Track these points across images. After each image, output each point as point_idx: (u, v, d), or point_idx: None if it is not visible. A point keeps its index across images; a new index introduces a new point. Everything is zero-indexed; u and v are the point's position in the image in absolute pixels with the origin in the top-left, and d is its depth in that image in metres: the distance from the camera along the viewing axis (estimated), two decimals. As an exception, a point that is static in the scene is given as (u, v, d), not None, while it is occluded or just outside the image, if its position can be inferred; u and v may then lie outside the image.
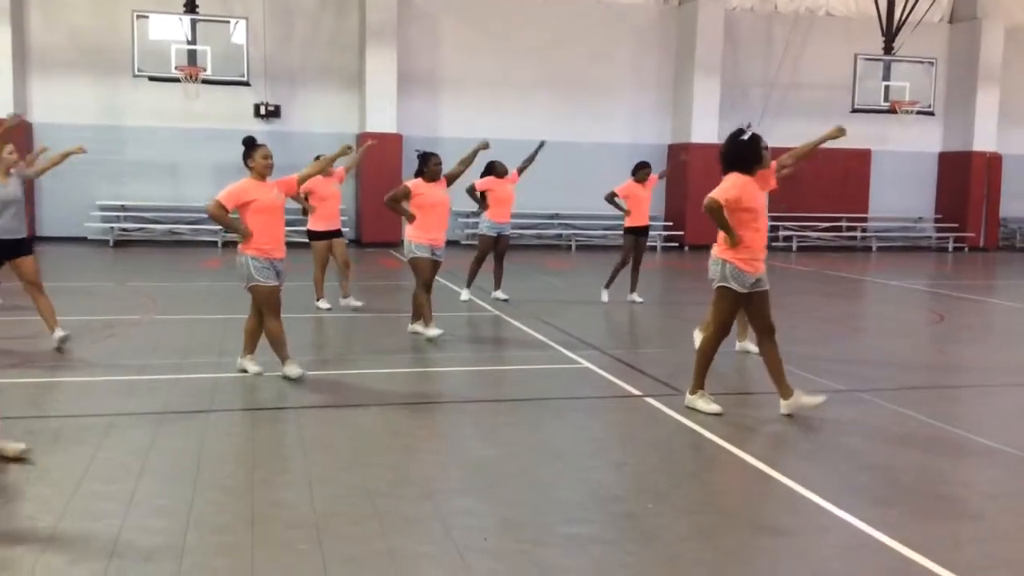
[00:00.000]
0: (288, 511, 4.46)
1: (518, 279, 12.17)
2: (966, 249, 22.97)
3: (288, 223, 7.52)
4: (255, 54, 18.75)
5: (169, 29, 17.66)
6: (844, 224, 22.84)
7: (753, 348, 8.45)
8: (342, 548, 4.04)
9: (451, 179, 9.20)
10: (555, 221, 21.23)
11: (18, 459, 5.02)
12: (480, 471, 5.20)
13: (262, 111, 19.71)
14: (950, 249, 23.03)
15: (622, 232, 11.81)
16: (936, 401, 7.21)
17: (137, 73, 17.73)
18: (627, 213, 11.59)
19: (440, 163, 8.97)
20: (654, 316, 11.35)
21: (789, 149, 7.65)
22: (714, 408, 6.35)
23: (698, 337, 8.59)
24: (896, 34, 21.00)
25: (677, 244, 21.39)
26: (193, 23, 17.79)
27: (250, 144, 7.13)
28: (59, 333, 7.91)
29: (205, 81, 17.92)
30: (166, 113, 19.15)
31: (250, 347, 7.32)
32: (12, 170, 7.76)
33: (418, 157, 9.04)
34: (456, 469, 5.31)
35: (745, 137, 6.32)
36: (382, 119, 19.40)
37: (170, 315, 10.22)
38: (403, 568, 3.86)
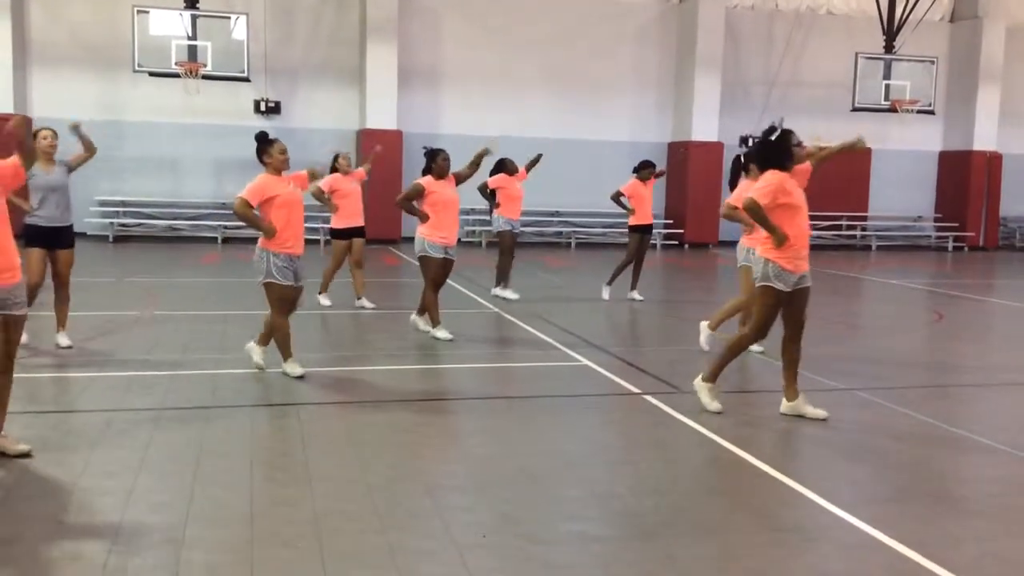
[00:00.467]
0: (288, 507, 4.46)
1: (518, 276, 12.15)
2: (966, 248, 22.98)
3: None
4: (255, 50, 18.73)
5: (169, 24, 17.65)
6: (844, 223, 22.84)
7: (752, 347, 8.46)
8: (341, 544, 4.04)
9: (458, 180, 9.03)
10: (555, 218, 21.23)
11: (20, 456, 5.01)
12: (480, 468, 5.20)
13: (262, 107, 19.69)
14: (950, 248, 23.03)
15: (628, 231, 11.80)
16: (935, 400, 7.21)
17: (137, 68, 17.73)
18: (631, 212, 11.59)
19: (448, 159, 8.81)
20: (654, 314, 11.34)
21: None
22: (715, 406, 6.34)
23: (704, 329, 8.59)
24: (897, 33, 20.99)
25: (677, 242, 21.39)
26: (193, 18, 17.78)
27: (264, 140, 7.03)
28: (64, 340, 7.92)
29: (205, 77, 17.91)
30: (166, 109, 19.14)
31: (266, 341, 7.28)
32: (57, 159, 7.80)
33: (425, 154, 8.92)
34: (456, 466, 5.31)
35: (775, 135, 6.22)
36: (382, 115, 19.40)
37: (170, 311, 10.21)
38: (402, 564, 3.85)
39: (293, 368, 7.08)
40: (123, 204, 19.34)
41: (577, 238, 21.06)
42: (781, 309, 6.29)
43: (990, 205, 23.19)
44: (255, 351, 7.27)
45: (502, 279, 11.73)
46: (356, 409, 6.42)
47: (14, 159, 5.16)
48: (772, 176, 6.11)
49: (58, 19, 18.87)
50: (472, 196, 12.18)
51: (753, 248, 8.20)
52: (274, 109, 19.77)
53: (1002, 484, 5.19)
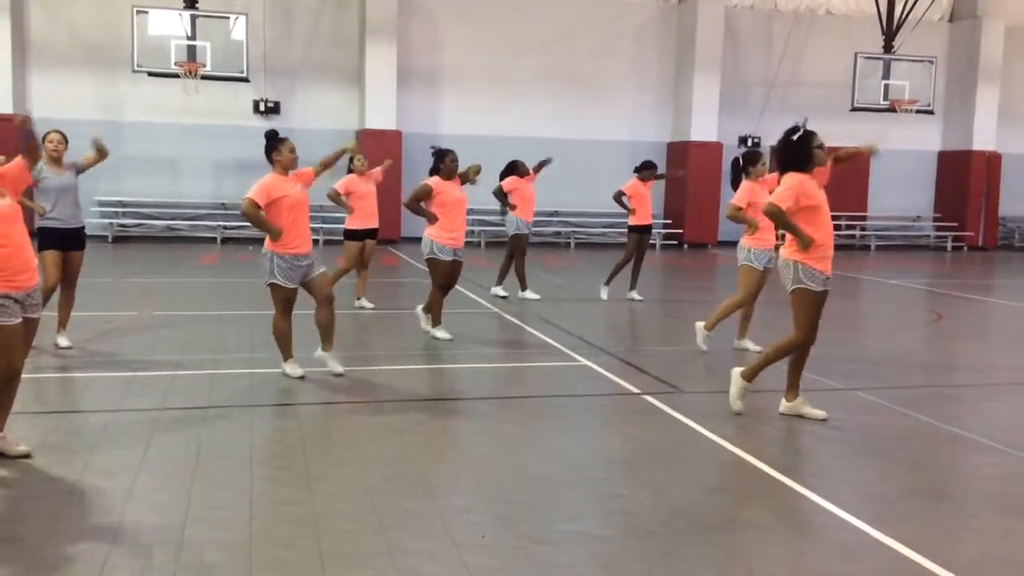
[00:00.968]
0: (286, 507, 4.46)
1: (515, 277, 12.15)
2: (965, 248, 22.99)
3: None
4: (255, 50, 18.72)
5: (169, 24, 17.64)
6: (843, 223, 22.84)
7: (752, 347, 8.47)
8: (340, 544, 4.03)
9: (462, 181, 9.04)
10: (554, 218, 21.23)
11: (20, 457, 5.01)
12: (478, 468, 5.20)
13: (261, 107, 19.69)
14: (949, 248, 23.04)
15: (627, 230, 11.81)
16: (935, 400, 7.20)
17: (136, 69, 17.72)
18: (632, 212, 11.60)
19: (456, 160, 8.74)
20: (653, 314, 11.35)
21: None
22: (737, 406, 6.27)
23: (700, 330, 8.59)
24: (896, 32, 20.99)
25: (676, 242, 21.39)
26: (193, 19, 17.77)
27: (274, 138, 6.99)
28: (63, 341, 7.93)
29: (204, 77, 17.90)
30: (165, 109, 19.13)
31: (327, 341, 7.22)
32: (66, 161, 7.81)
33: (433, 154, 8.84)
34: (455, 466, 5.31)
35: (796, 136, 6.13)
36: (382, 115, 19.40)
37: (169, 311, 10.21)
38: (401, 564, 3.85)
39: (293, 369, 7.08)
40: (122, 204, 19.34)
41: (576, 238, 21.06)
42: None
43: (989, 205, 23.20)
44: (327, 359, 7.18)
45: (504, 279, 11.75)
46: (355, 410, 6.42)
47: (18, 160, 5.17)
48: (792, 179, 6.04)
49: (57, 19, 18.87)
50: (476, 197, 12.17)
51: (752, 247, 8.24)
52: (273, 109, 19.76)
53: (1002, 484, 5.19)
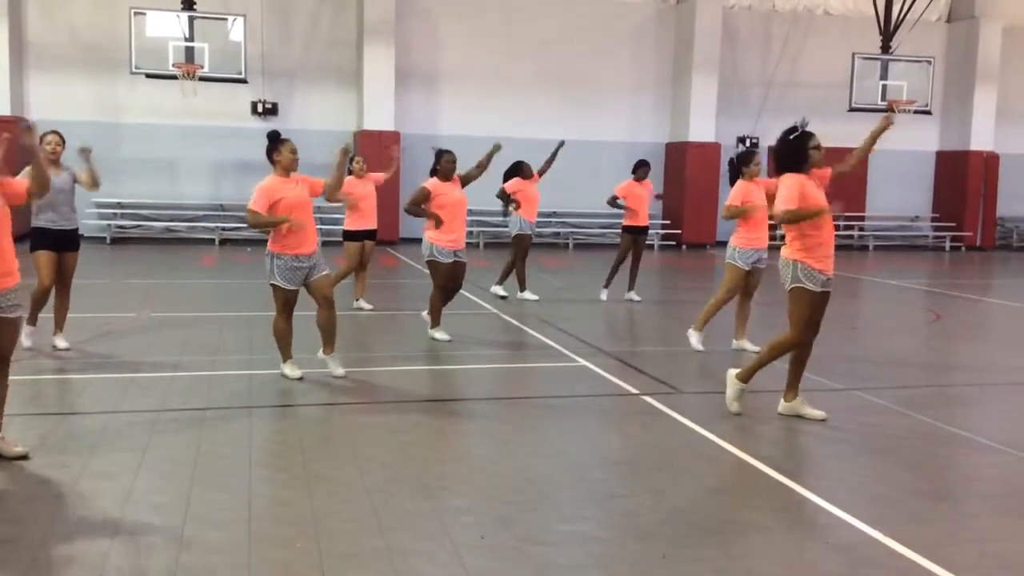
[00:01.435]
0: (286, 508, 4.46)
1: (515, 277, 12.15)
2: (963, 248, 22.99)
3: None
4: (252, 51, 18.70)
5: (166, 26, 17.60)
6: (841, 223, 22.84)
7: (750, 347, 8.48)
8: (339, 545, 4.03)
9: (465, 181, 8.92)
10: (553, 219, 21.22)
11: (18, 458, 5.01)
12: (477, 469, 5.20)
13: (259, 108, 19.67)
14: (947, 248, 23.04)
15: (620, 231, 11.79)
16: (934, 400, 7.20)
17: (134, 70, 17.68)
18: (627, 212, 11.58)
19: (453, 160, 8.68)
20: (652, 315, 11.35)
21: None
22: (735, 407, 6.28)
23: (693, 336, 8.60)
24: (894, 33, 21.00)
25: (675, 243, 21.39)
26: (191, 20, 17.75)
27: (275, 139, 6.94)
28: (61, 343, 7.92)
29: (202, 78, 17.86)
30: (163, 110, 19.10)
31: (328, 343, 7.20)
32: (63, 163, 7.79)
33: (435, 154, 8.79)
34: (454, 467, 5.30)
35: (793, 136, 6.13)
36: (380, 116, 19.38)
37: (167, 312, 10.19)
38: (400, 565, 3.85)
39: (292, 370, 7.06)
40: (120, 206, 19.30)
41: (575, 239, 21.05)
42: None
43: (987, 205, 23.20)
44: (329, 362, 7.17)
45: (505, 279, 11.74)
46: (354, 410, 6.41)
47: (24, 182, 5.19)
48: (790, 180, 6.05)
49: (55, 21, 18.84)
50: (476, 198, 12.15)
51: (738, 246, 8.37)
52: (271, 110, 19.75)
53: (1002, 484, 5.19)
